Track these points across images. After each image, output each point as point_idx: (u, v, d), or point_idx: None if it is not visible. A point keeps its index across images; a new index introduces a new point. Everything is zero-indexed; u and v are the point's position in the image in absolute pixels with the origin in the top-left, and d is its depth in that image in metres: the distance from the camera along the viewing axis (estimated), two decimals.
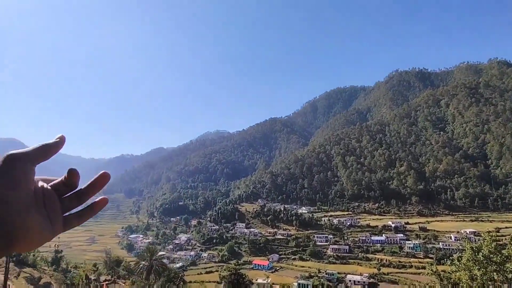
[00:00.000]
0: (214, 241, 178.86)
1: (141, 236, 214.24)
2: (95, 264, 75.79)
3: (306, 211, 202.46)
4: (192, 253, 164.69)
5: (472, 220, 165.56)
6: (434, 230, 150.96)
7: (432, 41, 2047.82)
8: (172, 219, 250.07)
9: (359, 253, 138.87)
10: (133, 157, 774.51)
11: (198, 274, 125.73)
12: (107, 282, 53.41)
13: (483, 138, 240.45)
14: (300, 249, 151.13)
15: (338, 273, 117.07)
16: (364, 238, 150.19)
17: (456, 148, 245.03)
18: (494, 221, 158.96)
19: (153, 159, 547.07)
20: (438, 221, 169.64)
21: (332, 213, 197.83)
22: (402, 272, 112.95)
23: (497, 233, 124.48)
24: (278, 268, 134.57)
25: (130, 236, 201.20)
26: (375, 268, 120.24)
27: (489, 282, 15.32)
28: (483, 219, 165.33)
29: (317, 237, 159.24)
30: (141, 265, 57.06)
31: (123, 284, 52.05)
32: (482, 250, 15.94)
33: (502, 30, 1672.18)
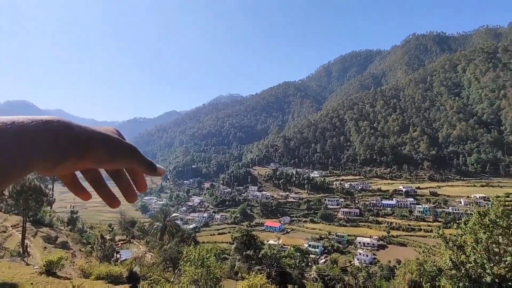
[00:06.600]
0: (227, 203, 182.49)
1: (155, 198, 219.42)
2: (110, 224, 77.91)
3: (318, 175, 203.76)
4: (205, 214, 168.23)
5: (482, 186, 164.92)
6: (445, 195, 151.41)
7: (451, 3, 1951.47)
8: (185, 181, 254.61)
9: (369, 217, 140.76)
10: (146, 120, 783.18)
11: (210, 235, 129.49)
12: (122, 242, 55.51)
13: (499, 104, 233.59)
14: (311, 212, 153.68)
15: (348, 235, 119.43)
16: (374, 202, 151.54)
17: (471, 114, 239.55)
18: (505, 186, 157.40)
19: (166, 122, 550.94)
20: (449, 186, 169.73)
21: (344, 177, 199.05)
22: (411, 235, 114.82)
23: (507, 198, 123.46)
24: (289, 230, 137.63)
25: (144, 197, 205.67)
26: (384, 231, 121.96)
27: (493, 245, 15.36)
28: (493, 185, 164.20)
29: (329, 200, 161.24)
30: (155, 226, 58.48)
31: (138, 244, 53.89)
32: (489, 214, 15.85)
33: None
